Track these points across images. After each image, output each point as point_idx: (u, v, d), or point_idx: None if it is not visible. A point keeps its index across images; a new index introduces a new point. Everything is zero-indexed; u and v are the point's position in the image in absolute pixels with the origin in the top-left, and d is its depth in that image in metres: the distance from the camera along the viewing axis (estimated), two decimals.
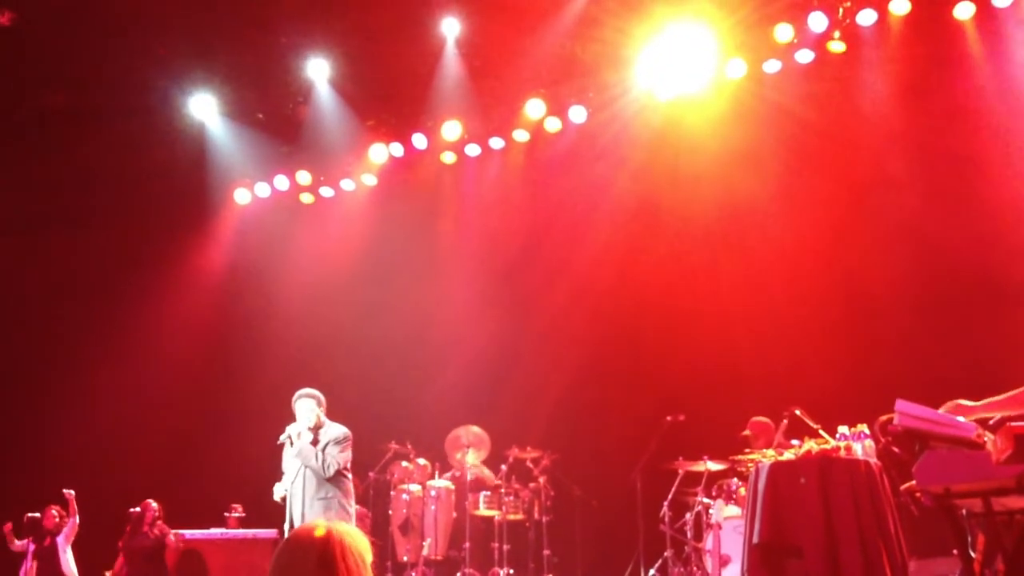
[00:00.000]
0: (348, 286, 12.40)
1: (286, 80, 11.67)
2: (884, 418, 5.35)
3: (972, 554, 5.09)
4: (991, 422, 4.66)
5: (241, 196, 12.97)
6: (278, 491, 7.54)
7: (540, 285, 11.87)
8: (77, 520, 10.50)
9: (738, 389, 10.09)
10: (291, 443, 7.46)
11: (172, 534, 10.08)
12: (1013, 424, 4.33)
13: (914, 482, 4.65)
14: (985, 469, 4.43)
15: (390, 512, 10.67)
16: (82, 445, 11.55)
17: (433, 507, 10.42)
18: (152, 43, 10.86)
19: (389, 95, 11.98)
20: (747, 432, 8.84)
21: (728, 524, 8.57)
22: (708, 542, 8.78)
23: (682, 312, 10.90)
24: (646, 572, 9.77)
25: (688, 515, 9.28)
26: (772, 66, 10.63)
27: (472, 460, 10.97)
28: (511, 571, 10.31)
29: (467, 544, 10.31)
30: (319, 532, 2.77)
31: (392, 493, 10.76)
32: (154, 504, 10.44)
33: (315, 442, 7.43)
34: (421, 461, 11.00)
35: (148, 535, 10.32)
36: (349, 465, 7.58)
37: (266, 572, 2.79)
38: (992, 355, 9.00)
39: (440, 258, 12.54)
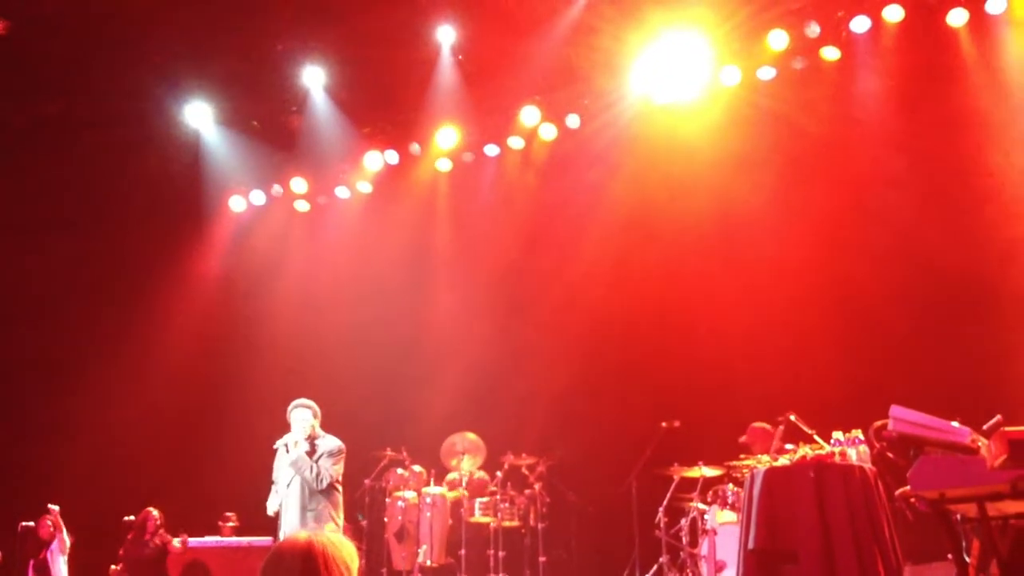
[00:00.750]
0: (343, 294, 12.40)
1: (281, 88, 11.69)
2: (879, 423, 5.37)
3: (967, 559, 5.11)
4: (985, 427, 4.68)
5: (236, 204, 12.97)
6: (272, 505, 7.51)
7: (535, 292, 11.88)
8: (67, 536, 10.41)
9: (733, 395, 10.09)
10: (287, 451, 7.45)
11: (179, 539, 10.04)
12: (1007, 429, 4.34)
13: (909, 487, 4.67)
14: (979, 474, 4.44)
15: (385, 519, 10.66)
16: (76, 452, 11.50)
17: (429, 514, 10.40)
18: (147, 51, 10.88)
19: (384, 102, 12.00)
20: (744, 438, 8.85)
21: (724, 530, 8.58)
22: (704, 548, 8.78)
23: (677, 318, 10.91)
24: None
25: (684, 521, 9.28)
26: (767, 73, 10.66)
27: (468, 467, 10.96)
28: None
29: (463, 551, 10.29)
30: (302, 542, 2.78)
31: (387, 500, 10.75)
32: (155, 512, 10.39)
33: (311, 453, 7.42)
34: (417, 468, 10.98)
35: (150, 544, 10.28)
36: (341, 478, 7.58)
37: None
38: (986, 361, 9.03)
39: (435, 266, 12.54)
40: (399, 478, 10.92)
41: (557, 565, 10.72)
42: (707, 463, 9.27)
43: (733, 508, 8.65)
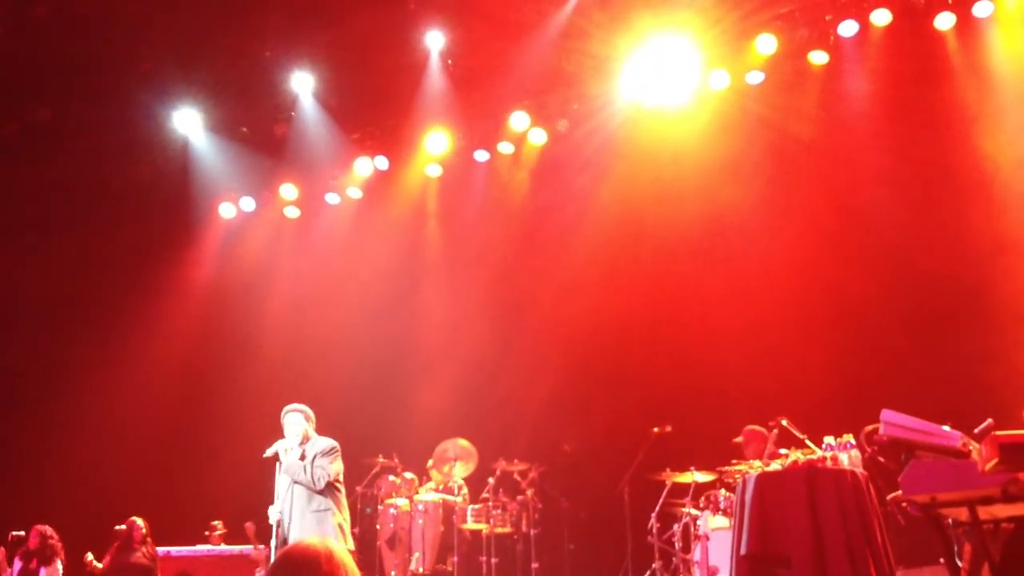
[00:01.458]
0: (333, 300, 12.38)
1: (271, 94, 11.67)
2: (870, 428, 5.37)
3: (959, 563, 5.11)
4: (976, 431, 4.68)
5: (226, 210, 12.92)
6: (273, 514, 7.45)
7: (526, 297, 11.87)
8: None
9: (724, 400, 10.09)
10: (280, 459, 7.40)
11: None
12: (998, 433, 4.34)
13: (900, 491, 4.66)
14: (971, 478, 4.44)
15: (377, 526, 10.62)
16: (65, 459, 11.45)
17: (420, 521, 10.37)
18: (136, 57, 10.86)
19: (374, 108, 11.98)
20: (739, 439, 8.84)
21: (716, 535, 8.57)
22: (696, 553, 8.77)
23: (667, 323, 10.91)
24: None
25: (676, 526, 9.27)
26: (755, 77, 10.69)
27: (459, 473, 10.93)
28: None
29: (455, 558, 10.27)
30: (308, 547, 2.79)
31: (379, 507, 10.71)
32: (139, 521, 10.34)
33: (303, 457, 7.38)
34: (408, 475, 10.95)
35: (138, 552, 10.22)
36: (341, 477, 7.52)
37: None
38: (975, 366, 9.05)
39: (425, 271, 12.53)
40: (391, 485, 10.89)
41: (550, 571, 10.69)
42: (699, 468, 9.26)
43: (725, 513, 8.63)
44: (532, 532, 10.49)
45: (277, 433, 7.51)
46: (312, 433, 7.51)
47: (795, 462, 6.69)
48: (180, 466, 11.74)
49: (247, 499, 10.06)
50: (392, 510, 10.53)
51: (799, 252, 10.48)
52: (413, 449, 11.15)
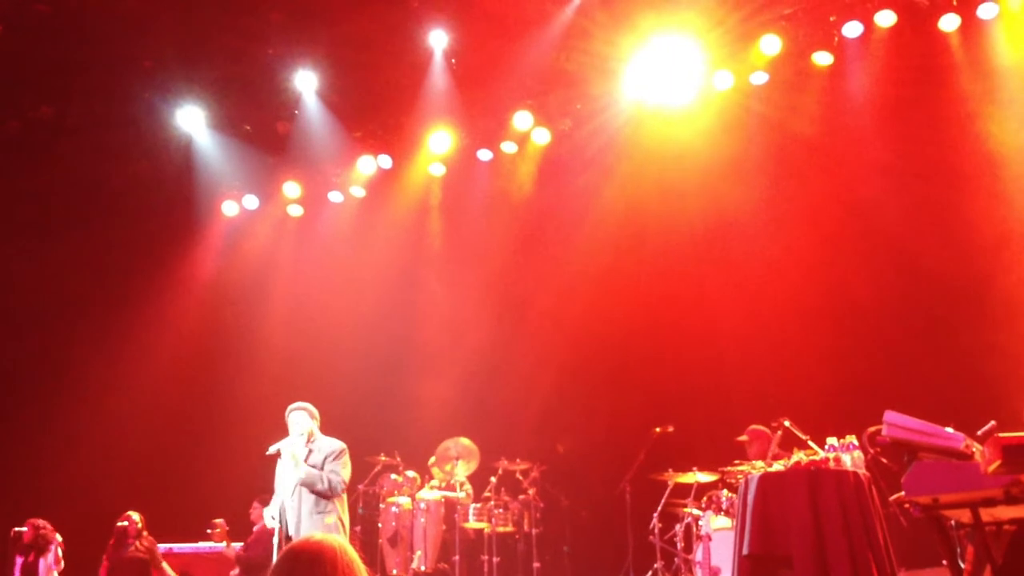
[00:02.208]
0: (335, 298, 12.38)
1: (273, 92, 11.65)
2: (872, 429, 5.37)
3: (961, 565, 5.10)
4: (979, 432, 4.67)
5: (229, 208, 12.92)
6: (270, 512, 7.43)
7: (528, 296, 11.87)
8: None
9: (727, 400, 10.10)
10: (286, 456, 7.38)
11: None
12: (1001, 435, 4.34)
13: (903, 493, 4.66)
14: (973, 479, 4.44)
15: (379, 525, 10.62)
16: (67, 457, 11.47)
17: (422, 520, 10.37)
18: (139, 55, 10.84)
19: (377, 107, 11.97)
20: (743, 437, 8.84)
21: (718, 535, 8.57)
22: (698, 553, 8.77)
23: (670, 323, 10.91)
24: None
25: (678, 526, 9.27)
26: (759, 78, 10.68)
27: (461, 472, 10.93)
28: None
29: (456, 557, 10.26)
30: (315, 543, 2.79)
31: (381, 506, 10.72)
32: (134, 516, 10.32)
33: (309, 456, 7.35)
34: (410, 473, 10.96)
35: (132, 546, 10.22)
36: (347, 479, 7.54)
37: None
38: (978, 366, 9.05)
39: (427, 270, 12.53)
40: (393, 483, 10.89)
41: (551, 571, 10.69)
42: (701, 468, 9.26)
43: (727, 514, 8.64)
44: (534, 531, 10.49)
45: (280, 431, 7.50)
46: (317, 432, 7.50)
47: (798, 463, 6.68)
48: (183, 463, 11.73)
49: (250, 497, 10.09)
50: (394, 508, 10.53)
51: (802, 252, 10.49)
52: (415, 448, 11.15)
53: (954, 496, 4.54)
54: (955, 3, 9.91)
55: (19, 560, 10.29)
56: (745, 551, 6.46)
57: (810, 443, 7.36)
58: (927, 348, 9.66)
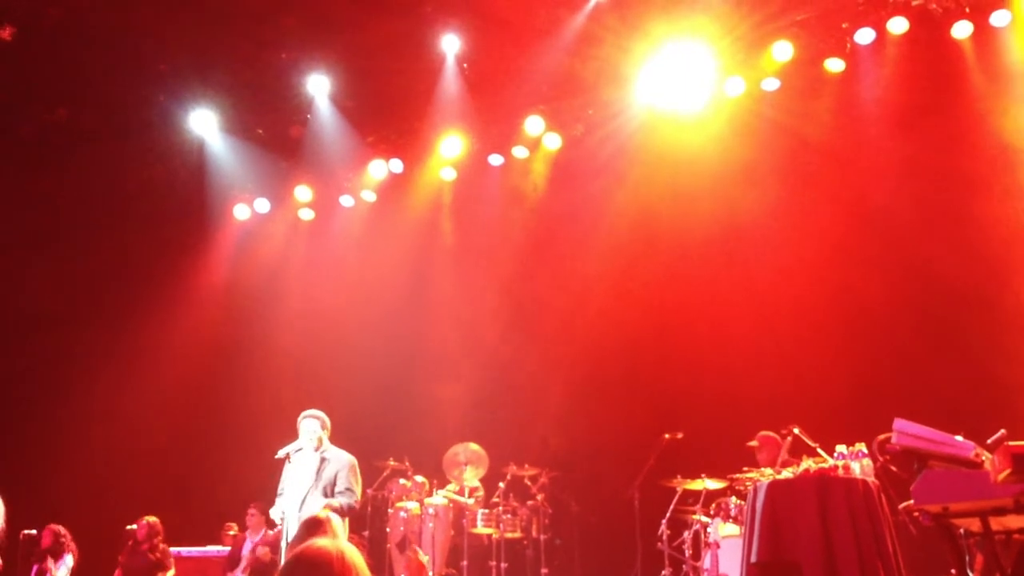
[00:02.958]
0: (346, 303, 12.40)
1: (286, 96, 11.70)
2: (882, 437, 5.35)
3: (970, 573, 5.08)
4: (989, 441, 4.66)
5: (240, 212, 12.97)
6: (276, 513, 7.46)
7: (539, 302, 11.87)
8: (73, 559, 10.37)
9: (736, 407, 10.06)
10: (291, 461, 7.42)
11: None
12: (1011, 443, 4.32)
13: (912, 501, 4.64)
14: (983, 488, 4.42)
15: (388, 530, 10.62)
16: (79, 460, 11.52)
17: (431, 525, 10.37)
18: (152, 59, 10.90)
19: (389, 111, 12.01)
20: (754, 443, 8.82)
21: (726, 543, 8.54)
22: (706, 561, 8.74)
23: (680, 329, 10.89)
24: None
25: (686, 533, 9.24)
26: (771, 84, 10.67)
27: (470, 478, 10.92)
28: None
29: (465, 562, 10.25)
30: (322, 548, 2.82)
31: (390, 511, 10.71)
32: (146, 519, 10.34)
33: (320, 464, 7.39)
34: (419, 478, 10.95)
35: (146, 554, 10.25)
36: None
37: None
38: (990, 374, 9.01)
39: (438, 275, 12.54)
40: (401, 488, 10.89)
41: None
42: (710, 475, 9.23)
43: (736, 521, 8.60)
44: (542, 537, 10.48)
45: (290, 434, 7.54)
46: (327, 441, 7.56)
47: (807, 470, 6.66)
48: (194, 467, 11.77)
49: (260, 500, 10.10)
50: (402, 513, 10.53)
51: (813, 258, 10.46)
52: (424, 453, 11.15)
53: (964, 505, 4.53)
54: (968, 10, 9.88)
55: (35, 567, 10.34)
56: (753, 558, 6.44)
57: (819, 451, 7.34)
58: (938, 355, 9.61)
